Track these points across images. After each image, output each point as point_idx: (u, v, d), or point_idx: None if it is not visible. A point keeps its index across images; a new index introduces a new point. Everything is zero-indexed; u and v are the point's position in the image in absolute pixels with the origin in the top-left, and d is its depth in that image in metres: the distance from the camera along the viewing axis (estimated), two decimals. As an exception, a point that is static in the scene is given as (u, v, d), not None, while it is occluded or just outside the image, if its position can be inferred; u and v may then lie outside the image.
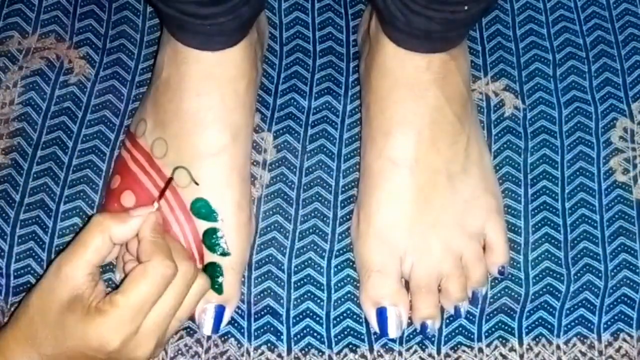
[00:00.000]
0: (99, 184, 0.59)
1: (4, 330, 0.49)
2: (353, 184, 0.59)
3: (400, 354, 0.56)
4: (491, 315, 0.57)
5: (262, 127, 0.61)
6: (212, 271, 0.53)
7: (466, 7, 0.49)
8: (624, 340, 0.56)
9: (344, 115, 0.61)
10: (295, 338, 0.56)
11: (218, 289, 0.53)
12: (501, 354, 0.56)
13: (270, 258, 0.57)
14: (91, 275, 0.48)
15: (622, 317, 0.57)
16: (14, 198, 0.58)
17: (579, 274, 0.57)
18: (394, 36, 0.53)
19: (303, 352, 0.56)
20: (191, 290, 0.49)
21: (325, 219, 0.58)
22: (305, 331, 0.56)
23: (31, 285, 0.56)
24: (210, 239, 0.53)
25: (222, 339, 0.56)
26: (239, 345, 0.56)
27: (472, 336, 0.56)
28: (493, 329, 0.56)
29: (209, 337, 0.56)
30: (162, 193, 0.53)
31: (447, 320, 0.56)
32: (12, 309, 0.56)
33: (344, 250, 0.58)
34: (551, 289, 0.57)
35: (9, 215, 0.57)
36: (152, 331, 0.47)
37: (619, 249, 0.58)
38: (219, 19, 0.50)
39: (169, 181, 0.53)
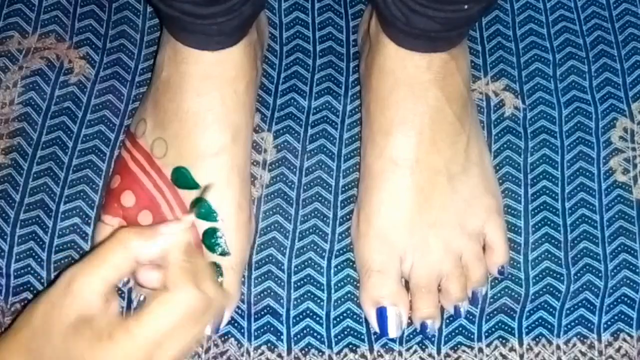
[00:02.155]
0: (99, 184, 0.59)
1: (4, 339, 0.44)
2: (353, 184, 0.59)
3: (400, 354, 0.56)
4: (491, 315, 0.57)
5: (262, 127, 0.61)
6: (212, 271, 0.53)
7: (466, 6, 0.49)
8: (624, 340, 0.56)
9: (344, 115, 0.61)
10: (295, 338, 0.56)
11: (218, 289, 0.53)
12: (501, 354, 0.56)
13: (270, 258, 0.57)
14: (106, 295, 0.42)
15: (622, 317, 0.57)
16: (14, 198, 0.58)
17: (579, 274, 0.57)
18: (395, 36, 0.53)
19: (303, 352, 0.56)
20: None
21: (325, 219, 0.58)
22: (305, 331, 0.56)
23: (31, 286, 0.56)
24: (210, 239, 0.53)
25: (222, 339, 0.56)
26: (239, 345, 0.56)
27: (472, 336, 0.56)
28: (493, 329, 0.56)
29: (209, 337, 0.56)
30: (192, 206, 0.52)
31: (447, 320, 0.56)
32: (12, 308, 0.55)
33: (344, 250, 0.58)
34: (551, 289, 0.57)
35: (9, 215, 0.57)
36: None
37: (619, 249, 0.58)
38: (219, 18, 0.50)
39: (195, 204, 0.52)
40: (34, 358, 0.42)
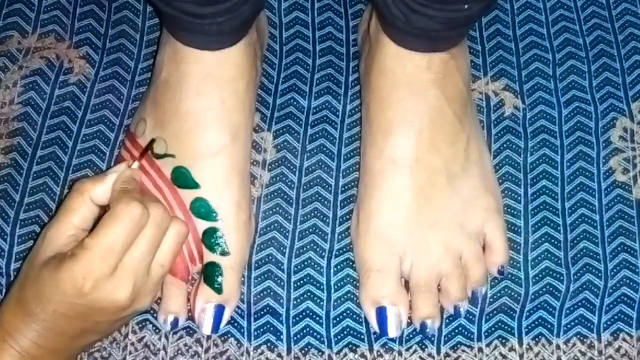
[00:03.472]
0: (99, 184, 0.59)
1: (5, 300, 0.50)
2: (353, 184, 0.59)
3: (400, 354, 0.56)
4: (491, 315, 0.57)
5: (262, 127, 0.61)
6: (211, 271, 0.53)
7: (466, 6, 0.49)
8: (624, 340, 0.56)
9: (344, 115, 0.61)
10: (295, 338, 0.56)
11: (218, 288, 0.53)
12: (501, 354, 0.56)
13: (270, 258, 0.57)
14: (74, 236, 0.49)
15: (622, 317, 0.57)
16: (14, 198, 0.58)
17: (579, 274, 0.57)
18: (395, 36, 0.53)
19: (303, 352, 0.56)
20: (168, 234, 0.50)
21: (325, 219, 0.58)
22: (305, 331, 0.56)
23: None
24: (210, 238, 0.53)
25: (222, 339, 0.56)
26: (239, 345, 0.56)
27: (472, 336, 0.56)
28: (493, 329, 0.56)
29: (209, 337, 0.56)
30: (142, 154, 0.54)
31: (447, 320, 0.56)
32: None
33: (344, 250, 0.58)
34: (551, 289, 0.57)
35: (9, 215, 0.58)
36: (128, 273, 0.47)
37: (619, 249, 0.58)
38: (218, 18, 0.50)
39: (150, 143, 0.54)
40: (22, 306, 0.48)
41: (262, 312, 0.56)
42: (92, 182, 0.50)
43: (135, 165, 0.53)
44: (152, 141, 0.54)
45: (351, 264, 0.57)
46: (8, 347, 0.47)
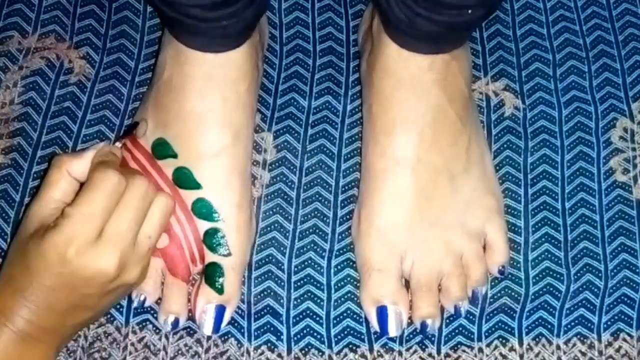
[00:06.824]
0: (99, 184, 0.59)
1: None
2: (353, 184, 0.59)
3: (400, 353, 0.56)
4: (491, 315, 0.57)
5: (262, 127, 0.61)
6: (212, 271, 0.53)
7: (470, 11, 0.49)
8: (624, 340, 0.56)
9: (344, 115, 0.61)
10: (295, 338, 0.56)
11: (219, 289, 0.53)
12: (501, 354, 0.56)
13: (270, 258, 0.57)
14: (56, 209, 0.49)
15: (622, 317, 0.57)
16: (14, 198, 0.58)
17: (579, 274, 0.57)
18: (398, 38, 0.53)
19: (303, 352, 0.56)
20: (153, 206, 0.50)
21: (325, 219, 0.58)
22: (305, 331, 0.56)
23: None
24: (211, 239, 0.53)
25: (222, 339, 0.56)
26: (239, 345, 0.56)
27: (472, 336, 0.56)
28: (493, 329, 0.56)
29: (209, 337, 0.56)
30: (124, 133, 0.55)
31: (447, 320, 0.56)
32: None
33: (344, 250, 0.58)
34: (551, 289, 0.57)
35: (9, 215, 0.57)
36: (111, 241, 0.47)
37: (619, 249, 0.58)
38: (222, 22, 0.50)
39: (134, 124, 0.55)
40: (10, 281, 0.48)
41: (262, 312, 0.56)
42: (69, 157, 0.50)
43: (118, 144, 0.54)
44: (136, 123, 0.55)
45: (351, 263, 0.57)
46: (3, 327, 0.47)
